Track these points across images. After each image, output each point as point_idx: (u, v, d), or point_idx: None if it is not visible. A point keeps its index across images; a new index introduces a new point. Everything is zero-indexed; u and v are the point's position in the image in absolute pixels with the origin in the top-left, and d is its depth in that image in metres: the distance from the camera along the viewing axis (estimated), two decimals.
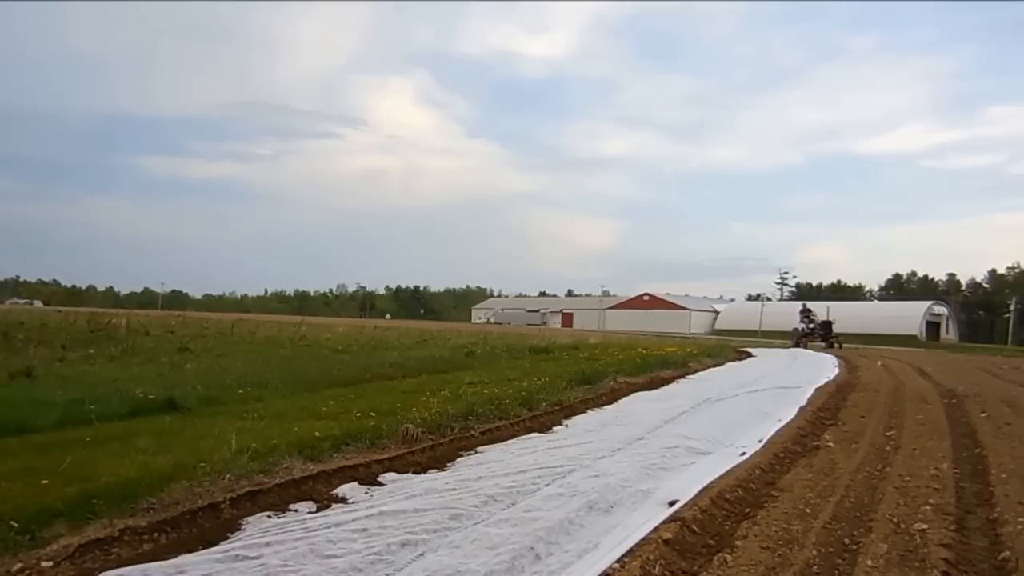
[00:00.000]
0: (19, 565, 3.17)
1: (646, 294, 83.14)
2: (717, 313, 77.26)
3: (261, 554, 3.42)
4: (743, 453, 6.16)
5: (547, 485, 4.91)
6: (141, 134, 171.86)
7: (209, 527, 3.87)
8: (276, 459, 5.01)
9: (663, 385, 12.49)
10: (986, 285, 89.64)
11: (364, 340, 21.22)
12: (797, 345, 33.37)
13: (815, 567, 3.45)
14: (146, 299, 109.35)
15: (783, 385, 12.27)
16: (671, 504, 4.45)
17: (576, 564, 3.49)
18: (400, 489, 4.76)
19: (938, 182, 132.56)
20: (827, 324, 34.40)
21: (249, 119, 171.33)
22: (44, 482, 4.21)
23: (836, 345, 32.40)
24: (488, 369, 13.18)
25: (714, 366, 17.84)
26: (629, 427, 7.53)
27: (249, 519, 4.00)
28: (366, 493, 4.68)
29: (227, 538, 3.71)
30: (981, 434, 7.44)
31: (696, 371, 15.90)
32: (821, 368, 17.63)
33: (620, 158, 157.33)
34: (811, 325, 34.83)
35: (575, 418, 8.27)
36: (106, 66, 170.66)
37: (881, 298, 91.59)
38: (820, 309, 37.19)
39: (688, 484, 4.93)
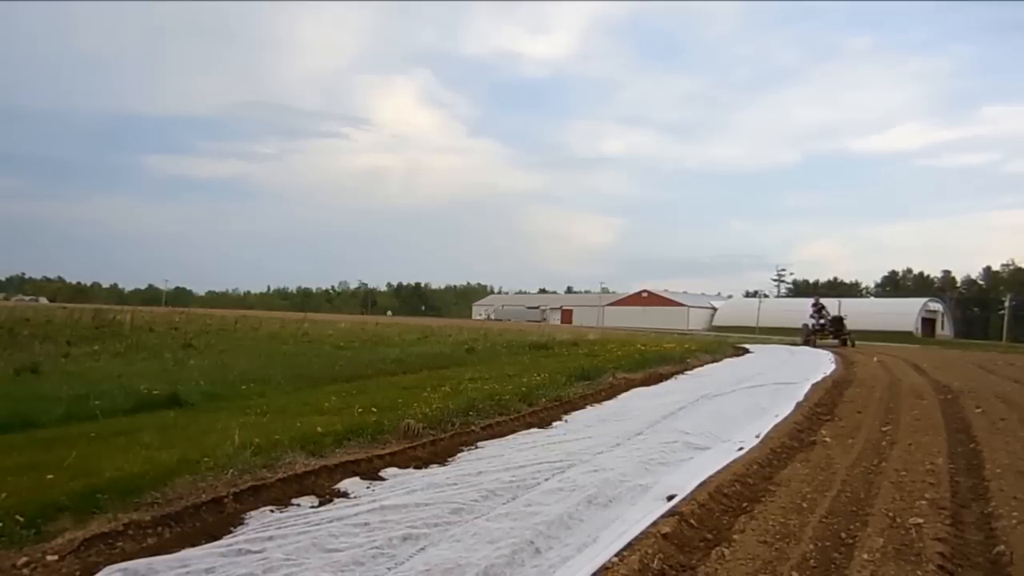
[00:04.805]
0: (24, 559, 3.20)
1: (645, 291, 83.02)
2: (715, 310, 77.11)
3: (264, 548, 3.46)
4: (740, 448, 6.21)
5: (547, 480, 4.95)
6: (147, 133, 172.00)
7: (212, 521, 3.91)
8: (279, 454, 5.06)
9: (661, 381, 12.54)
10: (981, 282, 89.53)
11: (366, 336, 21.21)
12: (807, 342, 31.10)
13: (812, 561, 3.50)
14: (150, 296, 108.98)
15: (780, 381, 12.34)
16: (669, 499, 4.51)
17: (575, 558, 3.53)
18: (401, 484, 4.81)
19: (934, 180, 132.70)
20: (839, 320, 32.67)
21: (254, 119, 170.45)
22: (49, 477, 4.24)
23: (849, 343, 30.86)
24: (488, 365, 13.20)
25: (712, 362, 17.92)
26: (628, 423, 7.58)
27: (252, 513, 4.04)
28: (368, 488, 4.73)
29: (230, 532, 3.75)
30: (976, 429, 7.50)
31: (694, 367, 15.97)
32: (818, 364, 17.73)
33: (620, 157, 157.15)
34: (822, 321, 32.86)
35: (574, 414, 8.31)
36: (113, 66, 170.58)
37: (877, 295, 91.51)
38: (831, 305, 35.13)
39: (686, 479, 4.98)
